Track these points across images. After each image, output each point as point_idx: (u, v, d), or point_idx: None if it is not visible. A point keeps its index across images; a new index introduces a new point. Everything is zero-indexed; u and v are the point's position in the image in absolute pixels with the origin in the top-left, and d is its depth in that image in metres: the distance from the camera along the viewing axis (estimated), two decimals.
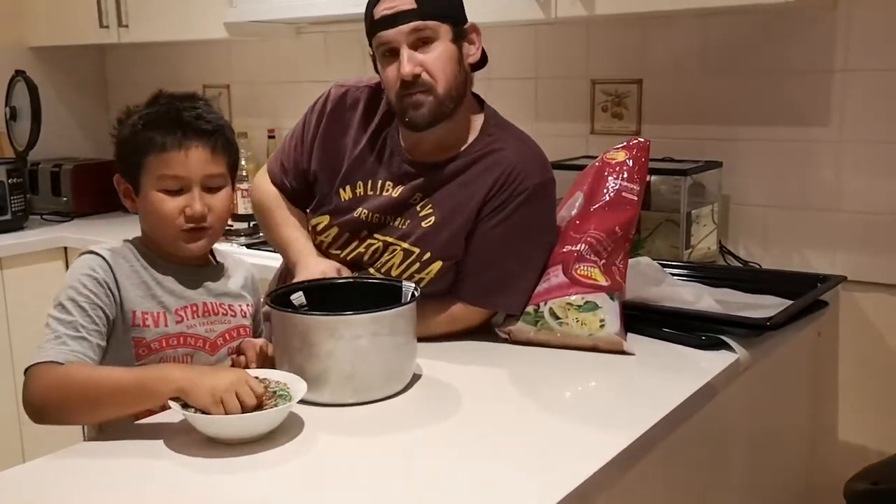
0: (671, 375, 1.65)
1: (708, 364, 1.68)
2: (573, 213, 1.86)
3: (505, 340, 1.83)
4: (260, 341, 1.62)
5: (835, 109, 2.23)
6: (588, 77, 2.59)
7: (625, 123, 2.54)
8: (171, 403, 1.36)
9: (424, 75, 1.69)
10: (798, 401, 2.23)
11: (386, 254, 1.80)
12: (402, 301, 1.59)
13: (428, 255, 1.77)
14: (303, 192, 1.90)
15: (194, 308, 1.58)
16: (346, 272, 1.77)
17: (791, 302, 1.88)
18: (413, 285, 1.61)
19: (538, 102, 2.68)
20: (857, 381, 2.27)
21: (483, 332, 1.86)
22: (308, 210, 1.89)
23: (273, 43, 3.34)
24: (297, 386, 1.43)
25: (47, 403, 1.38)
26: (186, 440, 1.36)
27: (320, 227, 1.85)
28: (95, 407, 1.38)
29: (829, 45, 2.21)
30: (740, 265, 2.33)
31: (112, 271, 1.52)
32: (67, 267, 2.37)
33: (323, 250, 1.86)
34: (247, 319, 1.64)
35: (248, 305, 1.66)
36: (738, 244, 2.40)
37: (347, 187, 1.83)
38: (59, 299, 1.49)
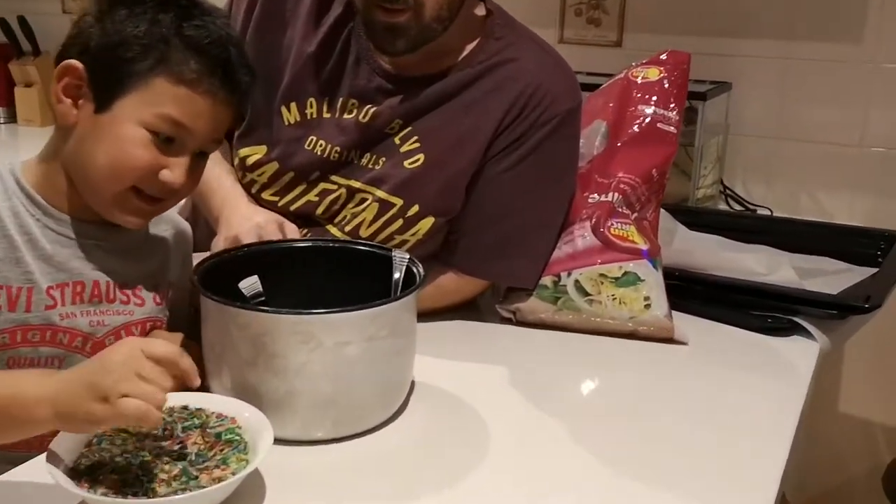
0: (756, 379, 1.23)
1: (790, 356, 1.28)
2: (595, 148, 1.39)
3: (507, 321, 1.36)
4: (175, 339, 1.09)
5: (871, 23, 1.84)
6: None
7: (602, 32, 2.06)
8: (50, 470, 0.83)
9: None
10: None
11: (351, 205, 1.28)
12: (397, 286, 1.09)
13: (415, 208, 1.26)
14: None
15: (78, 288, 1.02)
16: (291, 228, 1.24)
17: (856, 267, 1.49)
18: (407, 256, 1.11)
19: None
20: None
21: (471, 308, 1.38)
22: (234, 136, 1.33)
23: None
24: (255, 426, 0.92)
25: None
26: None
27: (251, 160, 1.30)
28: None
29: None
30: (748, 210, 1.93)
31: None
32: None
33: (253, 194, 1.31)
34: (161, 309, 1.09)
35: (166, 289, 1.11)
36: (735, 183, 1.99)
37: (293, 106, 1.28)
38: None
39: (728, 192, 1.94)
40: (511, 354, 1.29)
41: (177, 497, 0.82)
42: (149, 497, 0.82)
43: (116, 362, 0.83)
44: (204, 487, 0.84)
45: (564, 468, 1.00)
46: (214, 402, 0.96)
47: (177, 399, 0.95)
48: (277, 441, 0.90)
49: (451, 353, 1.24)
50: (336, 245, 1.17)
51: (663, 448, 1.04)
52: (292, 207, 1.29)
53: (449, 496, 0.94)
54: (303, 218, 1.28)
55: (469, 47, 1.27)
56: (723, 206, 1.94)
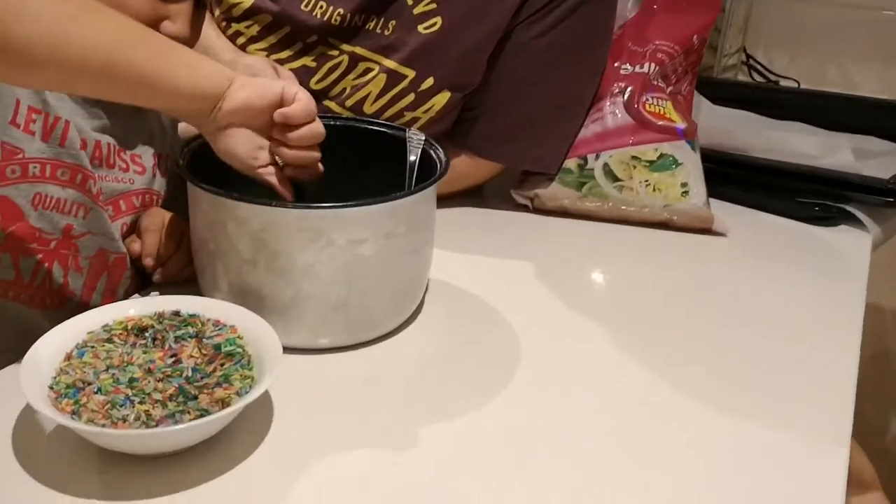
0: (807, 274, 1.11)
1: (841, 248, 1.16)
2: (629, 10, 1.22)
3: (522, 208, 1.22)
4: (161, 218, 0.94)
5: None
6: None
7: None
8: (26, 390, 0.70)
9: None
10: None
11: (353, 75, 1.11)
12: (413, 172, 0.94)
13: (429, 81, 1.09)
14: None
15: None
16: (287, 73, 1.07)
17: None
18: (423, 136, 0.96)
19: None
20: None
21: (478, 193, 1.24)
22: None
23: None
24: (258, 336, 0.79)
25: None
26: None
27: (239, 8, 1.11)
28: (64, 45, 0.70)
29: None
30: (771, 83, 1.77)
31: None
32: None
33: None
34: (161, 182, 0.96)
35: (166, 155, 0.96)
36: (757, 53, 1.83)
37: None
38: None
39: (752, 61, 1.78)
40: (529, 246, 1.16)
41: (178, 427, 0.69)
42: (143, 422, 0.70)
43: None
44: (204, 410, 0.71)
45: (600, 374, 0.89)
46: (210, 308, 0.82)
47: (164, 303, 0.82)
48: (284, 350, 0.78)
49: (463, 245, 1.10)
50: (342, 123, 1.01)
51: (717, 352, 0.92)
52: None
53: (476, 403, 0.82)
54: None
55: None
56: (743, 78, 1.78)
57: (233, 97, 0.79)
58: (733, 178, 1.27)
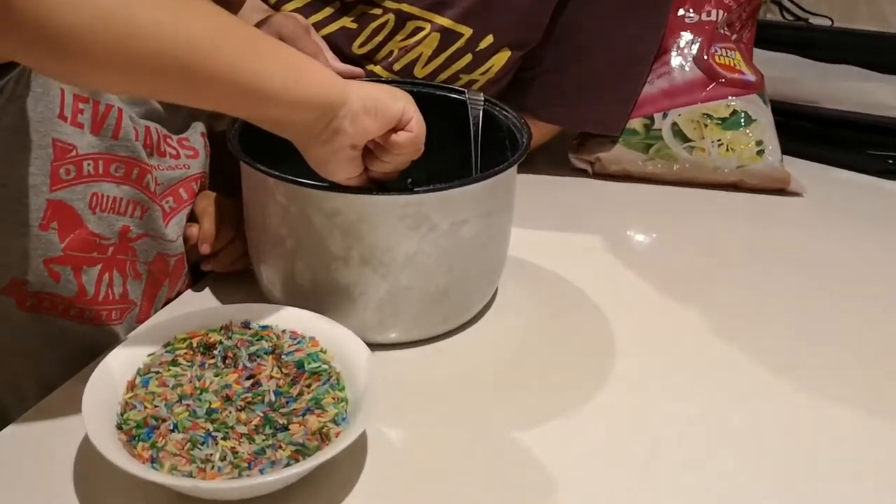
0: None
1: None
2: None
3: (581, 172, 1.13)
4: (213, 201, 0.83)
5: None
6: None
7: None
8: (93, 437, 0.59)
9: None
10: None
11: (400, 36, 1.00)
12: (477, 136, 0.85)
13: (488, 39, 0.98)
14: None
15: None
16: (315, 34, 0.94)
17: None
18: (482, 96, 0.86)
19: None
20: None
21: (529, 158, 1.14)
22: None
23: None
24: (343, 347, 0.69)
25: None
26: None
27: None
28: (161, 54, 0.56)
29: None
30: (803, 20, 1.68)
31: None
32: None
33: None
34: (206, 161, 0.84)
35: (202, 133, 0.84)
36: None
37: None
38: None
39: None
40: (593, 214, 1.07)
41: (281, 475, 0.59)
42: (231, 463, 0.59)
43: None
44: (300, 445, 0.60)
45: (698, 356, 0.81)
46: (282, 316, 0.71)
47: (230, 313, 0.71)
48: (372, 347, 0.69)
49: (524, 215, 0.98)
50: (397, 87, 0.89)
51: (819, 327, 0.85)
52: (321, 33, 1.00)
53: (594, 379, 0.76)
54: (334, 53, 1.00)
55: None
56: (771, 17, 1.69)
57: (356, 120, 0.66)
58: (799, 130, 1.19)
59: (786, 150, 1.14)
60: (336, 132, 0.65)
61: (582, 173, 1.13)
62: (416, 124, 0.69)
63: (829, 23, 1.64)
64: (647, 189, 1.10)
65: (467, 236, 0.74)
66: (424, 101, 0.87)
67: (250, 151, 0.75)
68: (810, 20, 1.67)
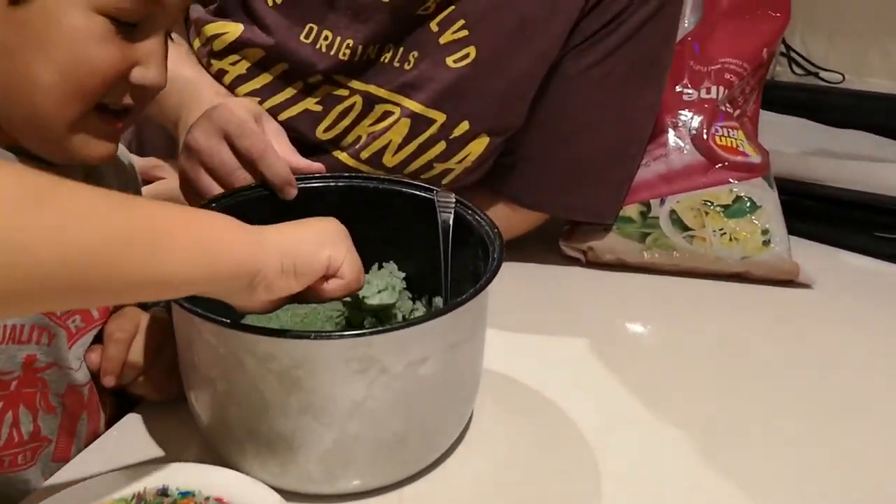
0: None
1: None
2: (687, 21, 1.04)
3: (573, 260, 1.04)
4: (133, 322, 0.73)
5: None
6: None
7: None
8: None
9: None
10: None
11: (369, 120, 0.91)
12: (447, 242, 0.76)
13: (464, 125, 0.90)
14: None
15: None
16: (273, 128, 0.85)
17: None
18: (453, 197, 0.76)
19: None
20: None
21: (518, 243, 1.05)
22: (193, 11, 0.93)
23: None
24: None
25: None
26: None
27: (222, 41, 0.91)
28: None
29: None
30: (811, 74, 1.58)
31: None
32: None
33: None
34: None
35: None
36: (793, 41, 1.64)
37: None
38: None
39: (792, 52, 1.59)
40: (585, 309, 0.98)
41: None
42: None
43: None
44: None
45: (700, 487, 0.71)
46: (209, 480, 0.62)
47: (147, 476, 0.62)
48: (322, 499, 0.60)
49: (505, 313, 0.89)
50: (349, 184, 0.80)
51: (839, 427, 0.76)
52: (281, 117, 0.92)
53: None
54: (297, 139, 0.92)
55: None
56: (780, 69, 1.60)
57: (271, 286, 0.58)
58: (806, 209, 1.09)
59: (791, 229, 1.05)
60: (253, 292, 0.57)
61: (574, 261, 1.04)
62: (349, 268, 0.61)
63: (839, 77, 1.54)
64: (645, 280, 1.01)
65: (427, 375, 0.65)
66: (391, 199, 0.80)
67: None
68: (820, 74, 1.57)
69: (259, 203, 0.76)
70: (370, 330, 0.62)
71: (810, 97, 1.40)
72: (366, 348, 0.61)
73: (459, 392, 0.71)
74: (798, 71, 1.59)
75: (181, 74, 0.89)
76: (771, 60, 1.05)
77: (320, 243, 0.60)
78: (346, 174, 0.82)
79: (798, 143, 1.23)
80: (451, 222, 0.76)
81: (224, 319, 0.61)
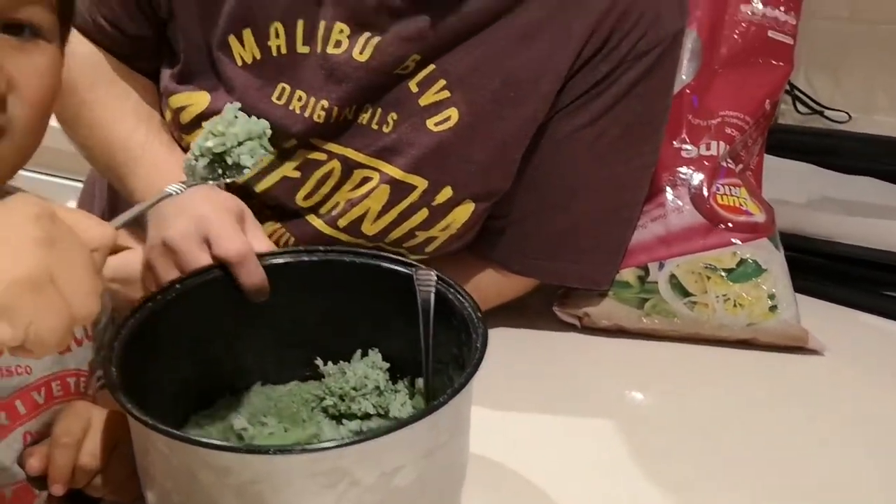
0: None
1: None
2: (685, 73, 0.98)
3: (568, 326, 0.98)
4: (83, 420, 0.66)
5: None
6: None
7: None
8: None
9: None
10: None
11: (347, 186, 0.86)
12: (427, 323, 0.69)
13: (446, 192, 0.84)
14: (146, 44, 0.89)
15: None
16: (253, 225, 0.79)
17: None
18: (434, 274, 0.69)
19: None
20: None
21: (509, 307, 0.99)
22: (162, 78, 0.88)
23: None
24: None
25: None
26: None
27: (188, 113, 0.86)
28: None
29: None
30: (817, 113, 1.52)
31: None
32: None
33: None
34: (75, 354, 0.67)
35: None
36: (797, 79, 1.58)
37: (247, 35, 0.83)
38: None
39: (797, 91, 1.53)
40: (581, 377, 0.93)
41: None
42: None
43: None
44: None
45: None
46: None
47: None
48: None
49: (498, 383, 0.82)
50: (323, 258, 0.73)
51: None
52: (258, 187, 0.86)
53: None
54: (274, 206, 0.86)
55: None
56: (785, 107, 1.54)
57: None
58: (812, 266, 1.04)
59: (797, 287, 0.99)
60: None
61: (570, 326, 0.98)
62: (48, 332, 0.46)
63: (845, 116, 1.49)
64: (645, 346, 0.95)
65: (403, 485, 0.59)
66: (368, 275, 0.74)
67: (141, 367, 0.60)
68: (825, 113, 1.52)
69: (216, 284, 0.71)
70: (337, 443, 0.55)
71: (816, 141, 1.34)
72: (335, 461, 0.55)
73: (440, 498, 0.65)
74: (803, 110, 1.53)
75: (151, 149, 0.85)
76: (774, 111, 1.00)
77: None
78: (320, 247, 0.77)
79: (804, 192, 1.18)
80: (432, 302, 0.70)
81: (174, 431, 0.55)
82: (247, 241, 0.69)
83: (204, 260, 0.69)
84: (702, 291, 0.92)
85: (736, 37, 0.99)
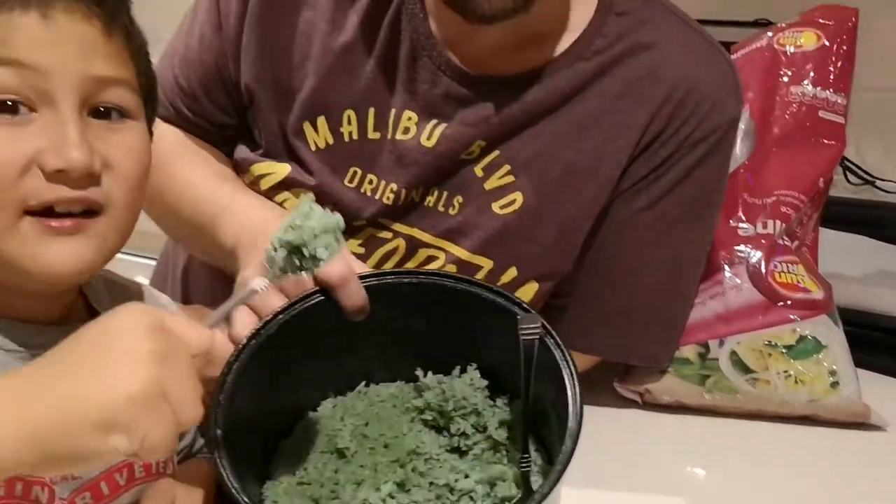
0: None
1: None
2: (738, 153, 1.01)
3: (629, 402, 0.99)
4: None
5: None
6: None
7: None
8: None
9: None
10: None
11: (412, 264, 0.89)
12: (529, 372, 0.67)
13: (511, 272, 0.87)
14: (227, 131, 0.93)
15: None
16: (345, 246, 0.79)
17: None
18: (539, 322, 0.68)
19: None
20: None
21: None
22: (238, 151, 0.93)
23: None
24: None
25: None
26: None
27: (269, 181, 0.89)
28: None
29: None
30: (868, 183, 1.53)
31: None
32: None
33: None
34: None
35: None
36: (848, 150, 1.58)
37: (321, 122, 0.87)
38: None
39: (847, 162, 1.54)
40: (643, 454, 0.93)
41: None
42: None
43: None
44: None
45: None
46: None
47: None
48: None
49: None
50: (435, 280, 0.71)
51: None
52: None
53: None
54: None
55: (578, 25, 0.86)
56: (836, 178, 1.54)
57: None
58: (871, 341, 1.04)
59: (857, 361, 0.99)
60: None
61: (631, 402, 0.99)
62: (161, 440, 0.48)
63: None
64: (707, 423, 0.96)
65: None
66: (468, 299, 0.70)
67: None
68: (876, 183, 1.53)
69: (320, 309, 0.70)
70: None
71: (867, 213, 1.35)
72: None
73: None
74: (854, 181, 1.54)
75: (224, 194, 0.87)
76: (828, 188, 1.01)
77: (101, 424, 0.46)
78: (422, 271, 0.76)
79: (859, 265, 1.19)
80: (535, 350, 0.69)
81: None
82: (348, 263, 0.70)
83: (308, 284, 0.70)
84: (763, 368, 0.93)
85: (787, 117, 1.01)
